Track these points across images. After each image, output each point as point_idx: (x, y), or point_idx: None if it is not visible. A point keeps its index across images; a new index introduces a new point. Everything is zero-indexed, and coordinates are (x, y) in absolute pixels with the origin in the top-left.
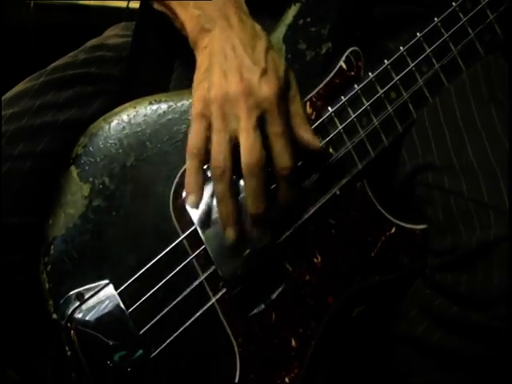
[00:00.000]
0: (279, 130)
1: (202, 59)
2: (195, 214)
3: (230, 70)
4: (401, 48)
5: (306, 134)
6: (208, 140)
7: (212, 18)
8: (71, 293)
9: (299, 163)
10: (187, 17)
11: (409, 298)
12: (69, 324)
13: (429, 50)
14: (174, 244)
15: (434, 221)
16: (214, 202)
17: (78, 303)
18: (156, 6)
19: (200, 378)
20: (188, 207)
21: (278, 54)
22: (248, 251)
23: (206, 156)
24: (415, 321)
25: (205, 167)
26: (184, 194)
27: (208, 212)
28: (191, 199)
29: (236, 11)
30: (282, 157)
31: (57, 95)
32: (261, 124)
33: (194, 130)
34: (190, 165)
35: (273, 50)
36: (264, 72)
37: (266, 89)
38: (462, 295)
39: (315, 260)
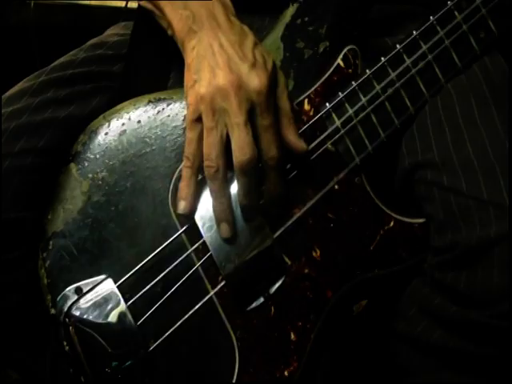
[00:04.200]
0: (268, 122)
1: (190, 61)
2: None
3: (218, 66)
4: (397, 45)
5: (291, 136)
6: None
7: (200, 19)
8: (69, 287)
9: (297, 157)
10: (176, 17)
11: (408, 297)
12: (67, 319)
13: (425, 47)
14: (172, 238)
15: (434, 218)
16: None
17: (76, 297)
18: (143, 3)
19: (199, 372)
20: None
21: (266, 51)
22: (247, 245)
23: (200, 160)
24: (414, 320)
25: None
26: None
27: (207, 207)
28: (181, 205)
29: (224, 11)
30: (270, 148)
31: (57, 93)
32: (251, 116)
33: (187, 138)
34: (184, 171)
35: (261, 46)
36: (253, 65)
37: (256, 81)
38: (461, 294)
39: (314, 254)
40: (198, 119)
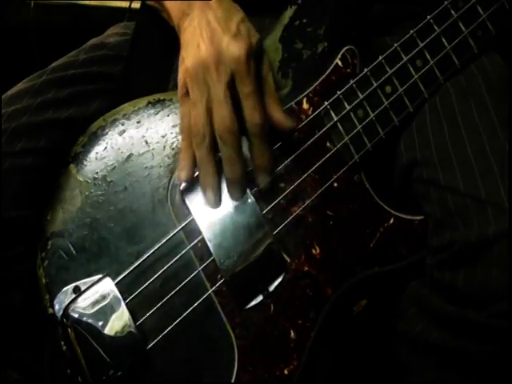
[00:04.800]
0: (249, 89)
1: (182, 40)
2: (193, 207)
3: (202, 41)
4: (395, 44)
5: (276, 114)
6: None
7: (193, 2)
8: (67, 287)
9: (296, 155)
10: (171, 5)
11: (407, 297)
12: (64, 319)
13: (422, 45)
14: (171, 235)
15: (431, 217)
16: None
17: (73, 296)
18: (148, 1)
19: (197, 370)
20: (186, 201)
21: (252, 28)
22: (246, 243)
23: None
24: (413, 319)
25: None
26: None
27: (206, 204)
28: (182, 174)
29: None
30: (253, 115)
31: (57, 94)
32: (232, 86)
33: (180, 113)
34: (181, 144)
35: (248, 23)
36: (234, 36)
37: (235, 49)
38: (459, 293)
39: (314, 251)
40: (187, 93)
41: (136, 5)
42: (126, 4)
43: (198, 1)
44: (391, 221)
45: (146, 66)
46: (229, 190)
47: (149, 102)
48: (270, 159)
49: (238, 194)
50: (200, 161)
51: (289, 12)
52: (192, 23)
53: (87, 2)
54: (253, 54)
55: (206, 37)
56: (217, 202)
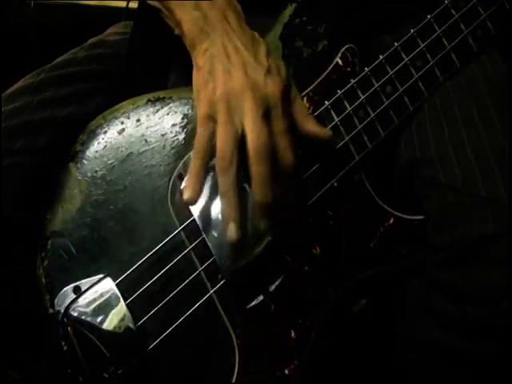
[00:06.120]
0: (284, 126)
1: (203, 62)
2: (194, 207)
3: (234, 68)
4: (395, 43)
5: (313, 127)
6: (213, 139)
7: (212, 21)
8: (68, 287)
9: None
10: (186, 17)
11: (407, 297)
12: (65, 319)
13: (422, 45)
14: (171, 236)
15: (431, 216)
16: (214, 195)
17: (74, 296)
18: (150, 1)
19: (198, 371)
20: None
21: (278, 59)
22: (247, 243)
23: (210, 156)
24: (414, 319)
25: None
26: (183, 185)
27: (207, 205)
28: (187, 191)
29: (236, 17)
30: (287, 153)
31: (57, 92)
32: (267, 121)
33: (199, 134)
34: (193, 163)
35: (273, 55)
36: (268, 71)
37: (272, 86)
38: (459, 292)
39: (314, 251)
40: (211, 117)
41: (135, 4)
42: (125, 4)
43: (219, 22)
44: (391, 221)
45: (145, 64)
46: (255, 214)
47: (148, 100)
48: (295, 196)
49: (264, 219)
50: (225, 189)
51: (289, 10)
52: (215, 44)
53: (87, 2)
54: (287, 91)
55: (238, 65)
56: (239, 237)
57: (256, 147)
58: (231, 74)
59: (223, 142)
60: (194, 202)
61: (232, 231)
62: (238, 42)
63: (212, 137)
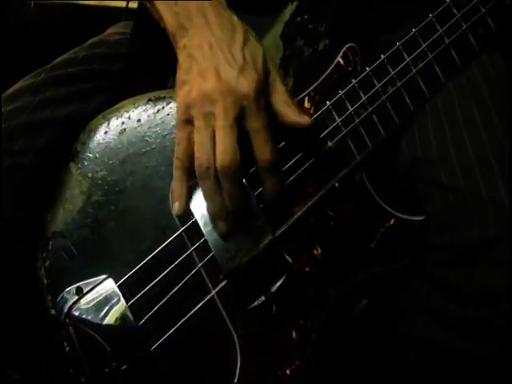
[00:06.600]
0: (259, 125)
1: (181, 60)
2: (195, 208)
3: (208, 70)
4: (397, 43)
5: (293, 116)
6: (192, 142)
7: (189, 15)
8: (70, 288)
9: (298, 156)
10: (166, 11)
11: (408, 296)
12: (67, 320)
13: (424, 45)
14: (173, 236)
15: (432, 216)
16: None
17: (76, 298)
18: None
19: (200, 371)
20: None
21: (255, 44)
22: (248, 244)
23: (190, 161)
24: (414, 319)
25: None
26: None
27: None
28: (176, 206)
29: (214, 6)
30: (263, 151)
31: (57, 92)
32: (240, 120)
33: (177, 138)
34: (175, 173)
35: (250, 42)
36: (242, 69)
37: (245, 86)
38: (460, 292)
39: (315, 252)
40: (188, 121)
41: (135, 4)
42: (125, 4)
43: (196, 15)
44: (392, 221)
45: (145, 63)
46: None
47: (149, 100)
48: (280, 192)
49: (242, 222)
50: (206, 192)
51: (290, 8)
52: (192, 42)
53: (87, 2)
54: (263, 85)
55: (212, 67)
56: (228, 230)
57: (221, 164)
58: (205, 77)
59: (199, 149)
60: (183, 213)
61: (221, 229)
62: (212, 38)
63: (189, 144)
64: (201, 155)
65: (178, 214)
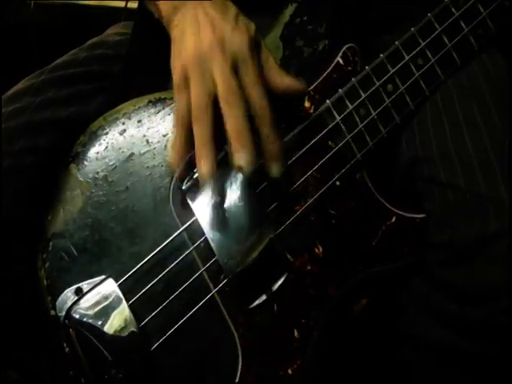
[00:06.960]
0: (255, 78)
1: (174, 35)
2: (196, 207)
3: (203, 28)
4: (396, 42)
5: (285, 80)
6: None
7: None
8: (69, 288)
9: (298, 154)
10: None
11: (408, 295)
12: (67, 321)
13: (423, 44)
14: (173, 236)
15: (433, 215)
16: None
17: (76, 298)
18: None
19: (201, 371)
20: (189, 201)
21: (247, 21)
22: (249, 242)
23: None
24: (414, 318)
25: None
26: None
27: (210, 205)
28: (172, 155)
29: None
30: (261, 101)
31: (58, 92)
32: (236, 73)
33: (176, 103)
34: (176, 130)
35: (242, 18)
36: (235, 27)
37: (239, 39)
38: (460, 291)
39: (316, 250)
40: (185, 83)
41: (133, 4)
42: (125, 4)
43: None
44: (393, 219)
45: (145, 64)
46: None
47: (149, 101)
48: (281, 147)
49: (249, 165)
50: (198, 139)
51: (289, 9)
52: (185, 17)
53: (87, 2)
54: (254, 44)
55: (206, 25)
56: (212, 172)
57: (227, 95)
58: (199, 34)
59: (197, 93)
60: (179, 165)
61: (204, 168)
62: (208, 8)
63: (188, 103)
64: (199, 99)
65: (176, 167)
